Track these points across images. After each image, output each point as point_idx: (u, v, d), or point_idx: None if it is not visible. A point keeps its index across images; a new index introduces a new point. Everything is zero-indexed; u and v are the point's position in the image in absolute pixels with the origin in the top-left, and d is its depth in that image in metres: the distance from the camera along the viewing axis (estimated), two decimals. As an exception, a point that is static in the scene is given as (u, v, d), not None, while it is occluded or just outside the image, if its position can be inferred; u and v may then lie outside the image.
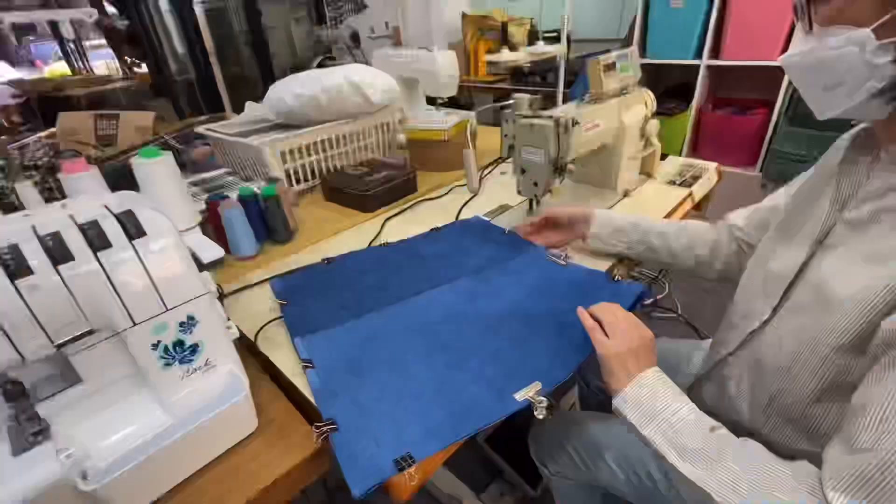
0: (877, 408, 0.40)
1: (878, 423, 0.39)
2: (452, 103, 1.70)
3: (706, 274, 0.83)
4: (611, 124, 1.05)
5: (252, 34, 3.68)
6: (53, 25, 3.08)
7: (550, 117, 0.87)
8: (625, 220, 0.85)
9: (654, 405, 0.53)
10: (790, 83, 1.99)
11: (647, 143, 1.19)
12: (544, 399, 0.55)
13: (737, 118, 2.22)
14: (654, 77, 2.41)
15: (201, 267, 0.87)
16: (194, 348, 0.53)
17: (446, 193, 1.20)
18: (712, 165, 1.28)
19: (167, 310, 0.50)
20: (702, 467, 0.47)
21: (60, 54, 3.44)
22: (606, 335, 0.59)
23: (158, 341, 0.50)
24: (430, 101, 1.72)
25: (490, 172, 1.34)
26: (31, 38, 3.65)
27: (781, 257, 0.60)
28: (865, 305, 0.45)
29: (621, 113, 1.07)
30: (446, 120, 1.31)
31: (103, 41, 3.34)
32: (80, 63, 3.51)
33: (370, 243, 0.96)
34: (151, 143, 1.46)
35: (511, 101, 0.95)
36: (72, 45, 3.60)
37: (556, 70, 2.52)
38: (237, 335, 0.60)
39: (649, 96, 1.15)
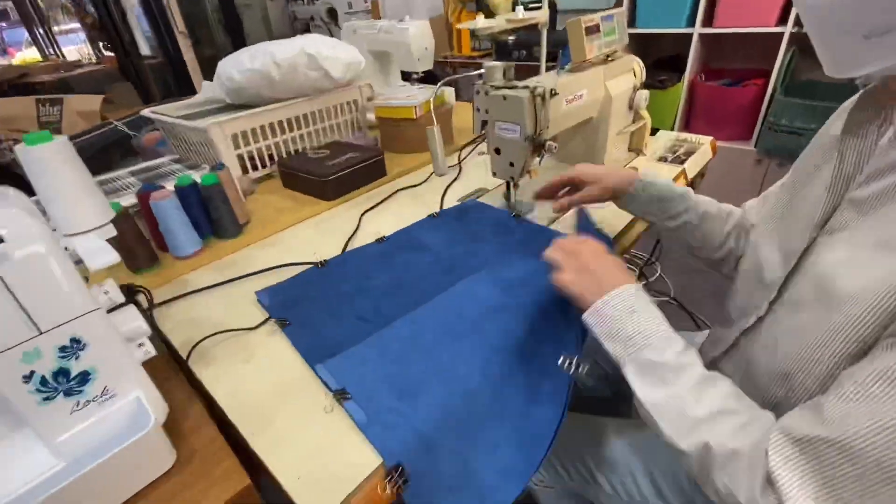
0: (859, 384, 0.35)
1: (852, 400, 0.35)
2: (431, 80, 1.59)
3: (721, 268, 0.73)
4: (595, 95, 0.95)
5: (225, 13, 3.49)
6: (22, 9, 2.91)
7: (526, 87, 0.77)
8: (671, 188, 0.70)
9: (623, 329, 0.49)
10: (787, 50, 1.88)
11: (636, 115, 1.08)
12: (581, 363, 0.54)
13: (731, 90, 2.11)
14: (643, 48, 2.28)
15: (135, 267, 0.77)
16: (84, 377, 0.43)
17: (425, 180, 1.09)
18: (707, 140, 1.18)
19: (40, 333, 0.40)
20: (660, 388, 0.46)
21: (31, 40, 3.29)
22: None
23: (31, 372, 0.41)
24: (406, 77, 1.60)
25: (469, 154, 1.23)
26: (3, 24, 3.47)
27: (777, 245, 0.52)
28: (876, 305, 0.37)
29: (607, 82, 0.96)
30: (417, 95, 1.19)
31: (76, 25, 3.19)
32: (51, 49, 3.34)
33: (349, 240, 0.86)
34: (99, 129, 1.34)
35: (482, 71, 0.84)
36: (41, 31, 3.42)
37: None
38: (152, 354, 0.51)
39: (638, 64, 1.05)
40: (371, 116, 1.30)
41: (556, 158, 1.12)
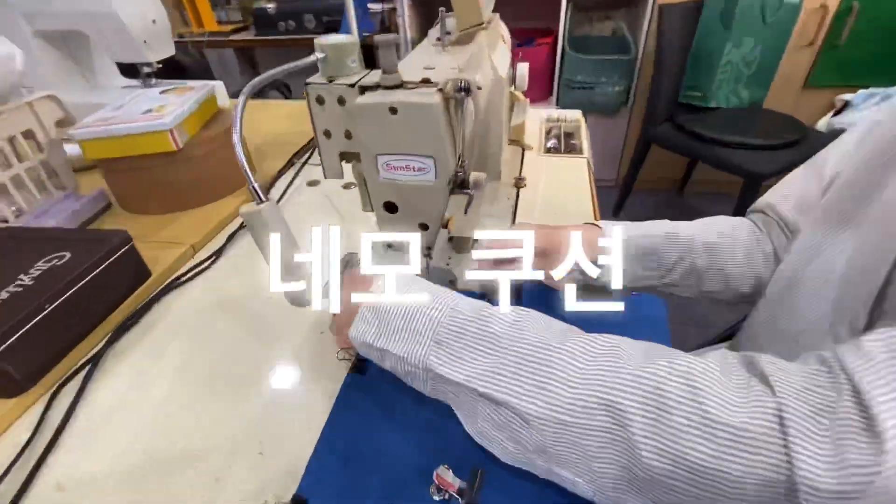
0: None
1: None
2: (173, 71, 1.00)
3: (746, 300, 0.53)
4: (487, 79, 0.62)
5: None
6: None
7: (428, 84, 0.38)
8: (646, 230, 0.50)
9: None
10: (568, 5, 1.90)
11: (513, 98, 0.81)
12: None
13: (525, 50, 2.07)
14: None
15: None
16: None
17: (214, 262, 0.60)
18: (577, 113, 1.00)
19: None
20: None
21: None
22: None
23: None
24: (131, 72, 0.97)
25: (292, 183, 0.77)
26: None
27: (855, 249, 0.37)
28: None
29: (492, 58, 0.65)
30: (167, 107, 0.66)
31: None
32: None
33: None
34: None
35: (314, 58, 0.41)
36: None
37: (318, 11, 1.92)
38: None
39: (502, 25, 0.75)
40: (67, 153, 0.69)
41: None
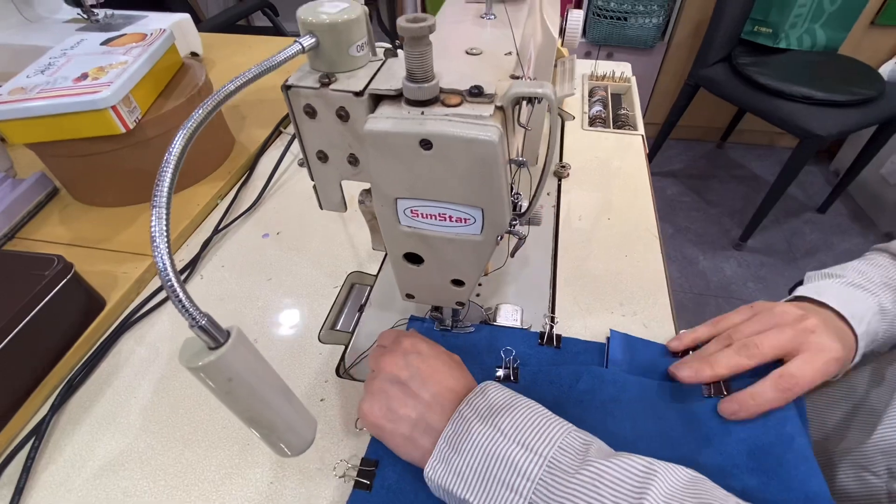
0: None
1: None
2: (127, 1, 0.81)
3: None
4: (537, 41, 0.46)
5: None
6: None
7: (480, 94, 0.24)
8: (864, 300, 0.38)
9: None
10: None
11: (559, 56, 0.64)
12: None
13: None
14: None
15: None
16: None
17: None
18: (627, 66, 0.82)
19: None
20: None
21: None
22: None
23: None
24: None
25: (277, 166, 0.63)
26: None
27: None
28: None
29: (542, 7, 0.48)
30: (107, 70, 0.49)
31: None
32: None
33: None
34: None
35: (297, 47, 0.26)
36: None
37: None
38: None
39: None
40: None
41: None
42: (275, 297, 0.48)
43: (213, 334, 0.18)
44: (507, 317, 0.44)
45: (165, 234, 0.17)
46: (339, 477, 0.34)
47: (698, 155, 2.04)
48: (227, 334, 0.18)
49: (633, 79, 0.79)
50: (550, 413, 0.31)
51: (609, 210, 0.56)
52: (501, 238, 0.29)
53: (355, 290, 0.49)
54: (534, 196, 0.29)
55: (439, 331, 0.42)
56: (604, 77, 0.79)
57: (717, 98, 1.52)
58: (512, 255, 0.35)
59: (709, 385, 0.36)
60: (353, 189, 0.32)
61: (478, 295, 0.47)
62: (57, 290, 0.40)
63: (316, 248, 0.53)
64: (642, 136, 0.67)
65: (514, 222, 0.29)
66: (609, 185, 0.59)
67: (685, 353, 0.40)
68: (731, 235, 1.67)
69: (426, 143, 0.24)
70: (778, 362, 0.34)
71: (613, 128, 0.69)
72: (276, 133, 0.69)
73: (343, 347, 0.43)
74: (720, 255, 1.62)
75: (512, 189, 0.30)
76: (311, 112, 0.27)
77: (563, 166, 0.61)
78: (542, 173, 0.29)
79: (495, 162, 0.24)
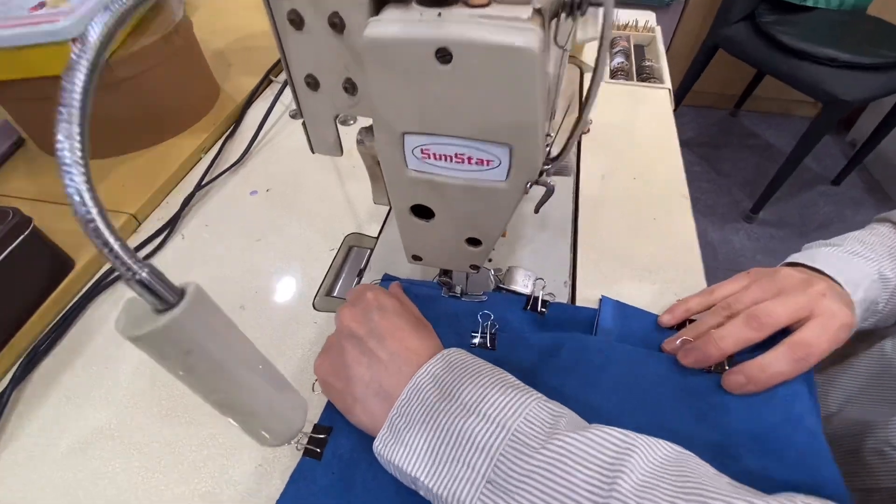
0: None
1: None
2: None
3: None
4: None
5: None
6: None
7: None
8: (861, 267, 0.34)
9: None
10: None
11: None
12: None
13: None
14: None
15: None
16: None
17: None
18: (649, 17, 0.74)
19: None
20: None
21: None
22: None
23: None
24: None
25: (265, 119, 0.57)
26: None
27: None
28: None
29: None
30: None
31: None
32: None
33: None
34: None
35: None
36: None
37: None
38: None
39: None
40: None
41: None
42: (264, 260, 0.43)
43: (160, 292, 0.13)
44: (520, 282, 0.40)
45: (79, 143, 0.12)
46: (298, 449, 0.30)
47: (710, 122, 1.96)
48: (181, 293, 0.14)
49: (658, 29, 0.72)
50: (519, 382, 0.28)
51: (634, 169, 0.50)
52: (531, 186, 0.24)
53: (353, 254, 0.45)
54: (572, 133, 0.24)
55: (449, 297, 0.38)
56: (626, 27, 0.72)
57: (733, 62, 1.43)
58: (536, 211, 0.30)
59: None
60: (350, 134, 0.27)
61: (490, 259, 0.43)
62: (14, 246, 0.35)
63: (310, 207, 0.48)
64: (669, 89, 0.61)
65: (545, 167, 0.24)
66: (634, 142, 0.54)
67: (681, 326, 0.35)
68: (742, 207, 1.61)
69: (444, 55, 0.18)
70: (781, 332, 0.31)
71: (637, 80, 0.63)
72: (265, 82, 0.62)
73: (340, 316, 0.38)
74: (730, 227, 1.57)
75: (547, 139, 0.24)
76: (296, 21, 0.22)
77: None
78: (588, 96, 0.23)
79: (533, 79, 0.19)
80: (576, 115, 0.24)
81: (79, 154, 0.12)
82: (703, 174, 1.75)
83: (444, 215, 0.27)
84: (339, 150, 0.28)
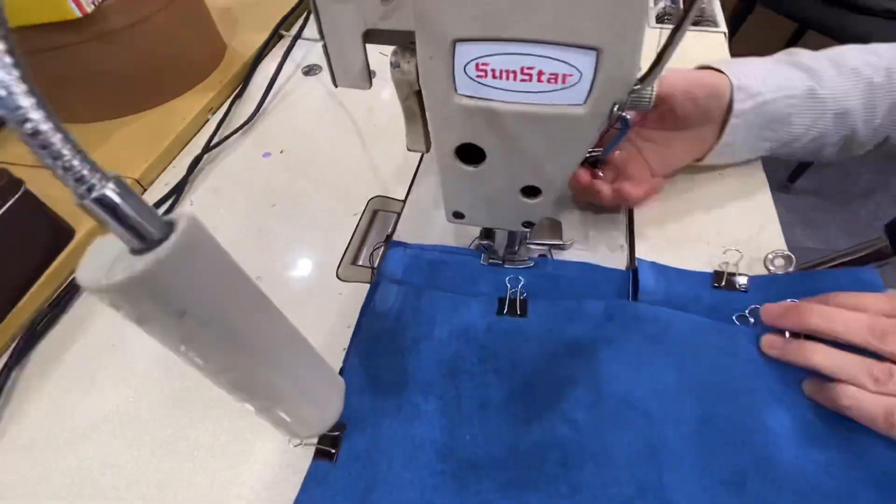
0: None
1: None
2: None
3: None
4: None
5: None
6: None
7: None
8: (785, 86, 0.33)
9: None
10: None
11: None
12: None
13: None
14: None
15: None
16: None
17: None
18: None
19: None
20: None
21: None
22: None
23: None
24: None
25: (276, 76, 0.52)
26: None
27: None
28: None
29: None
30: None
31: None
32: None
33: None
34: None
35: None
36: None
37: None
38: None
39: None
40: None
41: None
42: (281, 227, 0.39)
43: (134, 220, 0.09)
44: (578, 247, 0.35)
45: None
46: (295, 446, 0.26)
47: (742, 88, 1.84)
48: (169, 226, 0.09)
49: (707, -32, 0.64)
50: None
51: (692, 120, 0.44)
52: (620, 111, 0.19)
53: (379, 218, 0.40)
54: (672, 37, 0.18)
55: (488, 265, 0.33)
56: (670, -33, 0.65)
57: (772, 19, 1.32)
58: (606, 154, 0.25)
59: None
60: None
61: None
62: (5, 210, 0.31)
63: (328, 168, 0.43)
64: (724, 33, 0.54)
65: (636, 87, 0.19)
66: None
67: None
68: (778, 176, 1.52)
69: None
70: None
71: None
72: (275, 37, 0.57)
73: (368, 286, 0.34)
74: (764, 197, 1.48)
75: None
76: None
77: (631, 68, 0.49)
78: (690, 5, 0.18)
79: None
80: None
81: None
82: (735, 143, 1.66)
83: (498, 158, 0.22)
84: (368, 80, 0.23)
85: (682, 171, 0.39)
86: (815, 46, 0.36)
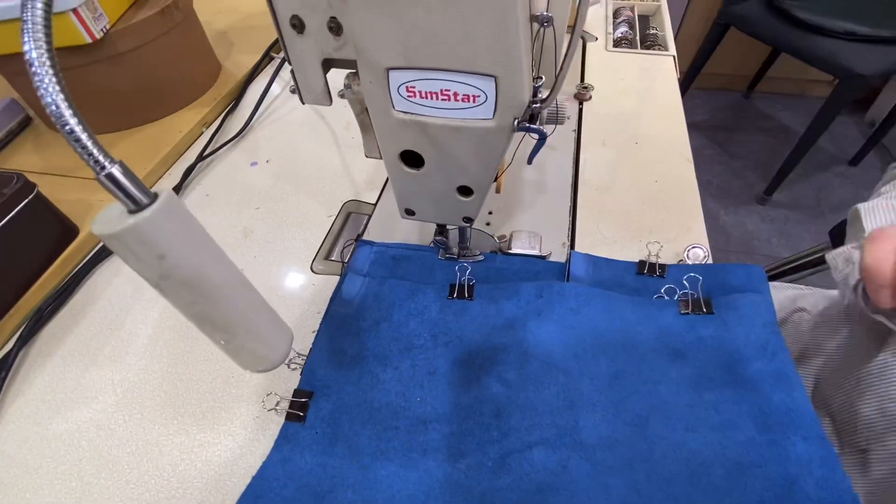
0: None
1: None
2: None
3: None
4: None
5: None
6: None
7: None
8: None
9: None
10: None
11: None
12: None
13: None
14: None
15: None
16: None
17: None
18: (655, -13, 0.73)
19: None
20: None
21: None
22: None
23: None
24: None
25: (265, 94, 0.57)
26: None
27: None
28: None
29: None
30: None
31: None
32: None
33: None
34: None
35: None
36: None
37: None
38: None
39: None
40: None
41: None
42: (264, 227, 0.43)
43: (131, 190, 0.13)
44: (524, 245, 0.39)
45: (46, 49, 0.12)
46: (269, 410, 0.31)
47: (723, 105, 1.91)
48: (154, 196, 0.14)
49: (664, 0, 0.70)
50: None
51: (637, 134, 0.49)
52: (518, 124, 0.23)
53: (352, 220, 0.45)
54: (560, 69, 0.23)
55: (444, 259, 0.38)
56: (630, -4, 0.71)
57: (746, 41, 1.39)
58: (529, 162, 0.30)
59: (686, 301, 0.33)
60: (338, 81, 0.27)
61: (488, 224, 0.42)
62: (18, 210, 0.36)
63: (308, 176, 0.48)
64: (673, 56, 0.60)
65: (534, 104, 0.24)
66: (636, 108, 0.53)
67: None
68: (755, 189, 1.58)
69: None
70: None
71: (641, 48, 0.61)
72: (266, 59, 0.63)
73: (338, 278, 0.39)
74: (743, 209, 1.53)
75: (532, 61, 0.24)
76: (278, -45, 0.22)
77: (586, 87, 0.54)
78: (571, 37, 0.23)
79: (513, 3, 0.18)
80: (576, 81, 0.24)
81: (47, 61, 0.12)
82: (716, 157, 1.72)
83: (434, 162, 0.27)
84: (328, 98, 0.28)
85: (622, 175, 0.44)
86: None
